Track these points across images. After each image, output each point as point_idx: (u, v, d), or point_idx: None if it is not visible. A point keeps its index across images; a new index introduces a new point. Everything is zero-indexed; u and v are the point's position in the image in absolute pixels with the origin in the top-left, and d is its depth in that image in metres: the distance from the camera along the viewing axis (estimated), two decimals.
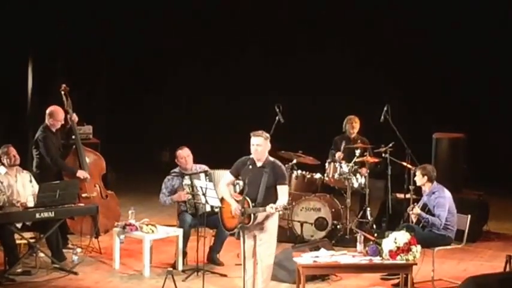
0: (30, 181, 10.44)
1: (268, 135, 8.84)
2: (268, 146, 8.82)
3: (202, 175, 10.46)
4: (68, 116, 11.19)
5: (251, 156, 8.78)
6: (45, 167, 10.85)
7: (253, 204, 8.62)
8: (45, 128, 10.96)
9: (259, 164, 8.72)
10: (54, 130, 10.97)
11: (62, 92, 11.28)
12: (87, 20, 15.76)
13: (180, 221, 10.52)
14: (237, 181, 9.23)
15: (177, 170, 10.69)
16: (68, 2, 15.25)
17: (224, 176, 9.18)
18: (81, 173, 11.02)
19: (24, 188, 10.34)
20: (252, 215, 8.64)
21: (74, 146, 11.19)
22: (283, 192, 8.73)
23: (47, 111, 10.98)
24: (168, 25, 16.68)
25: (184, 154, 10.60)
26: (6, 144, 10.42)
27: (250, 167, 8.72)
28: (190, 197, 10.39)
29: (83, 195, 10.99)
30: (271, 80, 16.22)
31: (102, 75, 16.63)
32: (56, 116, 10.95)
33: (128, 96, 16.99)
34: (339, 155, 11.98)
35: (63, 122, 11.05)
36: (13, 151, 10.35)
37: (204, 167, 10.69)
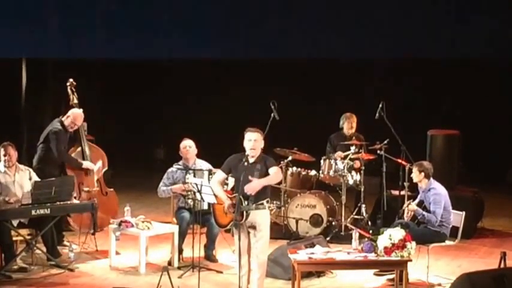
0: (30, 178, 10.38)
1: (261, 131, 8.89)
2: (262, 142, 8.86)
3: (205, 173, 10.41)
4: None
5: (244, 152, 8.80)
6: (49, 160, 10.83)
7: (246, 201, 8.65)
8: (61, 123, 10.96)
9: (251, 160, 8.74)
10: (68, 130, 10.99)
11: (69, 87, 11.29)
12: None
13: (178, 219, 10.51)
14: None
15: (180, 163, 10.66)
16: None
17: (216, 173, 9.20)
18: (87, 164, 11.05)
19: (22, 188, 10.30)
20: (245, 212, 8.67)
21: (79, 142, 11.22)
22: (274, 172, 8.73)
23: (70, 113, 10.99)
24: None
25: (186, 144, 10.56)
26: (4, 143, 10.35)
27: (243, 163, 8.73)
28: (188, 192, 10.32)
29: (85, 189, 11.01)
30: (267, 78, 16.24)
31: (97, 74, 16.60)
32: (76, 120, 10.98)
33: (124, 93, 16.98)
34: (339, 154, 11.98)
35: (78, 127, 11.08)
36: (8, 150, 10.25)
37: (208, 165, 10.68)
